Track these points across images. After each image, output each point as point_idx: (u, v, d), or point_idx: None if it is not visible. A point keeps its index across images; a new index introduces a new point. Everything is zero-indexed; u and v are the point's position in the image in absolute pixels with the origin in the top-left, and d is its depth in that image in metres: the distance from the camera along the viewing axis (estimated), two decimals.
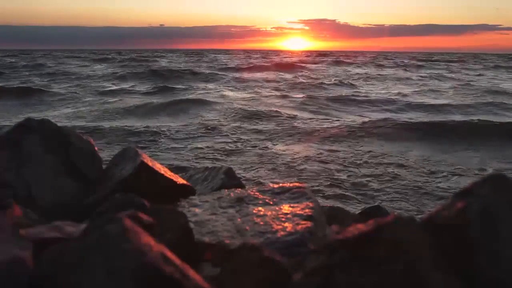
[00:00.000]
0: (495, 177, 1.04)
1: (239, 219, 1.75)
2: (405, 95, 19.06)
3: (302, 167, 7.54)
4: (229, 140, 9.76)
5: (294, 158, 8.12)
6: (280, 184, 2.08)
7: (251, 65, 38.49)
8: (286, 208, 1.79)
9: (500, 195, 1.00)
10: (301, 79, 26.11)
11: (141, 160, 2.19)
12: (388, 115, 13.61)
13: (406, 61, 55.29)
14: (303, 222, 1.63)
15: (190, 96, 17.10)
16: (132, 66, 36.61)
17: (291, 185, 2.04)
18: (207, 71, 30.69)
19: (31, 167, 2.18)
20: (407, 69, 39.23)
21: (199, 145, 9.19)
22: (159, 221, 1.36)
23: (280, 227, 1.62)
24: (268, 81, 25.11)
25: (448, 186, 6.69)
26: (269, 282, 1.03)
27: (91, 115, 13.59)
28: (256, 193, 2.01)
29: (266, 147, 9.11)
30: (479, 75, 33.92)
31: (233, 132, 10.71)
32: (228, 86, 22.35)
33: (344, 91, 20.23)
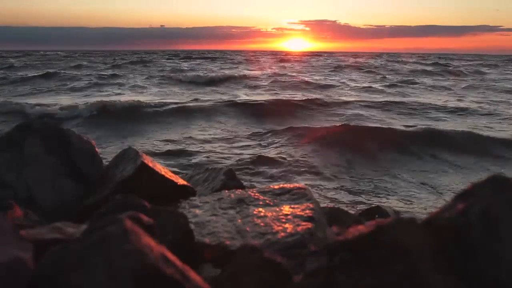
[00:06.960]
0: (496, 178, 1.04)
1: (239, 220, 1.75)
2: None
3: None
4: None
5: None
6: (281, 185, 2.08)
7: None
8: (286, 209, 1.79)
9: (500, 196, 0.99)
10: None
11: (142, 161, 2.19)
12: None
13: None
14: (304, 223, 1.63)
15: None
16: None
17: (291, 186, 2.04)
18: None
19: (31, 168, 2.18)
20: None
21: None
22: (160, 222, 1.36)
23: (280, 228, 1.62)
24: None
25: None
26: (270, 284, 1.03)
27: None
28: (256, 194, 2.01)
29: None
30: None
31: None
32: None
33: None
